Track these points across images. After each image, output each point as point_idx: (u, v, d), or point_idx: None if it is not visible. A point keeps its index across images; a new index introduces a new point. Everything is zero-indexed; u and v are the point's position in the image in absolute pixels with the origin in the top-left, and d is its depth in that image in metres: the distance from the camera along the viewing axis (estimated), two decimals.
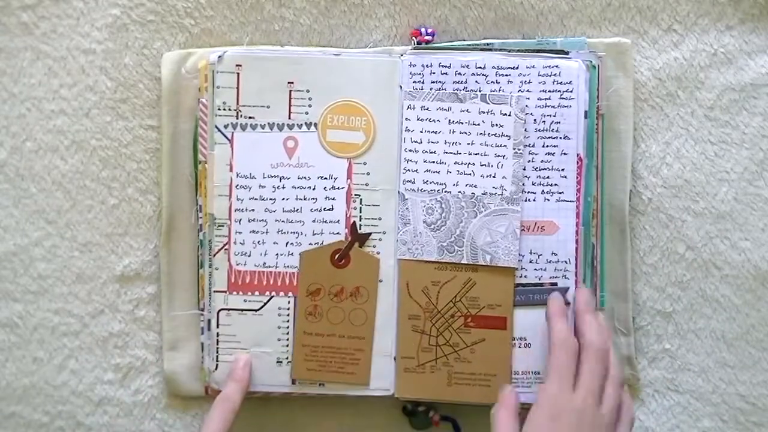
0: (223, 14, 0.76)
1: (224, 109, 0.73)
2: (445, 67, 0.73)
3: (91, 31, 0.76)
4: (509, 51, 0.73)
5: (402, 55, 0.73)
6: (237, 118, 0.73)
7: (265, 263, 0.73)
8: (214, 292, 0.73)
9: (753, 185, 0.76)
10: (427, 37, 0.75)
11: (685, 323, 0.77)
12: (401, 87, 0.73)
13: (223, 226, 0.73)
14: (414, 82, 0.73)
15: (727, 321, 0.77)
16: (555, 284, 0.73)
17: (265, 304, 0.73)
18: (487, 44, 0.75)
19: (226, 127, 0.73)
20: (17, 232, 0.76)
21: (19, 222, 0.76)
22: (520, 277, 0.73)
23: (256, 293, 0.73)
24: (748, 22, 0.76)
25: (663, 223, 0.77)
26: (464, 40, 0.76)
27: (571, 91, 0.72)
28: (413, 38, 0.75)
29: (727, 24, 0.76)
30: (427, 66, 0.73)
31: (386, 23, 0.76)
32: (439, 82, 0.73)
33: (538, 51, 0.73)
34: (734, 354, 0.77)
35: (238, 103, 0.73)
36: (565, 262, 0.73)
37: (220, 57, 0.73)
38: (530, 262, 0.73)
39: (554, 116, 0.72)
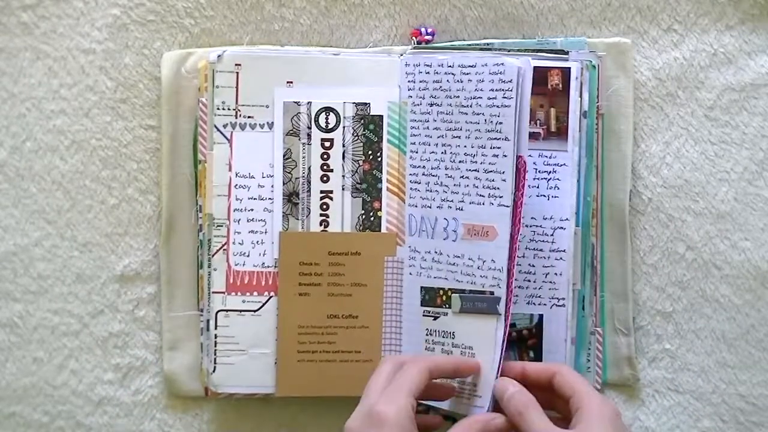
0: (223, 14, 0.76)
1: (223, 109, 0.73)
2: (427, 66, 0.72)
3: (91, 31, 0.76)
4: (508, 51, 0.72)
5: (401, 55, 0.73)
6: (236, 118, 0.73)
7: (263, 263, 0.73)
8: (213, 293, 0.73)
9: (753, 185, 0.76)
10: (427, 37, 0.75)
11: (685, 323, 0.77)
12: (400, 87, 0.73)
13: (222, 226, 0.73)
14: (410, 81, 0.73)
15: (727, 321, 0.77)
16: (492, 293, 0.69)
17: (264, 304, 0.73)
18: (487, 44, 0.74)
19: (225, 126, 0.73)
20: (17, 232, 0.76)
21: (19, 222, 0.76)
22: (470, 283, 0.70)
23: (255, 294, 0.73)
24: (748, 22, 0.76)
25: (663, 223, 0.76)
26: (464, 40, 0.76)
27: (511, 90, 0.68)
28: (413, 38, 0.75)
29: (727, 24, 0.76)
30: (418, 65, 0.72)
31: (386, 23, 0.76)
32: (436, 81, 0.72)
33: (538, 51, 0.73)
34: (734, 354, 0.77)
35: (237, 103, 0.73)
36: (499, 270, 0.68)
37: (219, 56, 0.73)
38: (478, 268, 0.69)
39: (498, 116, 0.69)
